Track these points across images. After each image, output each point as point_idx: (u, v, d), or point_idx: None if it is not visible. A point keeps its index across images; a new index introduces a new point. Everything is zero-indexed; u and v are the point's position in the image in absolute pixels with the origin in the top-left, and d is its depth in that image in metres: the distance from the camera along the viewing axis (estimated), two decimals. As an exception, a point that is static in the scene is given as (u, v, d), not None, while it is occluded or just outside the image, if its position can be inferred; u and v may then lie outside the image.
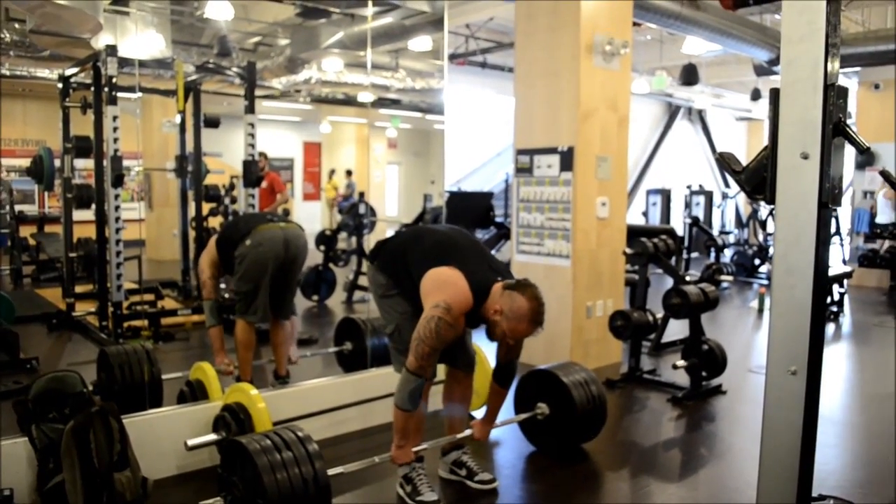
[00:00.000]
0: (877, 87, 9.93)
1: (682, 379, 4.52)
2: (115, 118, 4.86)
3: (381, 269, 2.96)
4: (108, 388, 3.46)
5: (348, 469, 2.74)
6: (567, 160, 4.91)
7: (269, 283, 3.84)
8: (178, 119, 6.13)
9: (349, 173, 12.13)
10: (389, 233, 10.30)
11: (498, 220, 9.62)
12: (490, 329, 2.72)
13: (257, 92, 5.86)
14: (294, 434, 2.46)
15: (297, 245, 3.89)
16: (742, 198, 13.72)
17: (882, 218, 9.62)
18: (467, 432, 3.11)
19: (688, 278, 4.98)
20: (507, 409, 3.72)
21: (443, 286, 2.65)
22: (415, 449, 2.91)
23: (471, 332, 3.10)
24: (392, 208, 13.12)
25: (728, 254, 10.92)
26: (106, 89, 4.91)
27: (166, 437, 3.08)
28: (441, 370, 3.12)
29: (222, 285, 4.47)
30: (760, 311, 7.38)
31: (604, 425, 3.50)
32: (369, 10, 6.57)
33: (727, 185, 15.00)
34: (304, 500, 2.32)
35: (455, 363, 3.08)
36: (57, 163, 5.95)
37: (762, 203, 9.36)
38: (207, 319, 3.96)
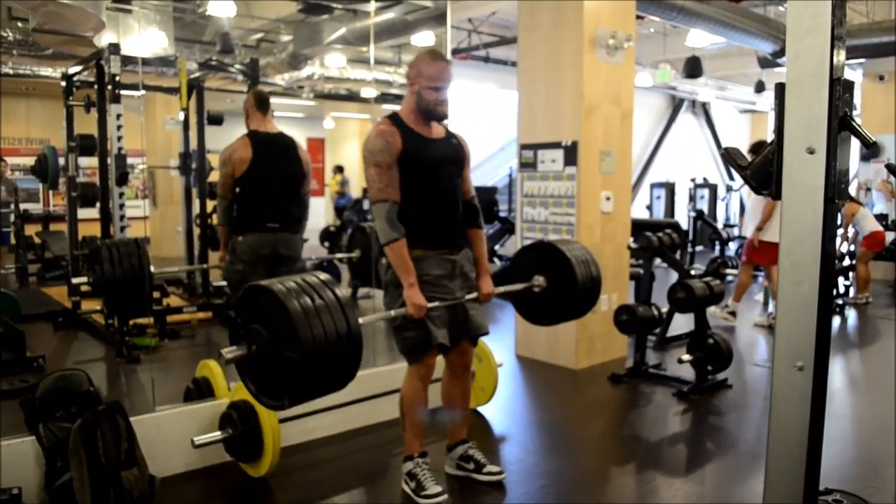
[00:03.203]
0: (881, 78, 9.89)
1: (688, 373, 4.52)
2: (118, 116, 4.87)
3: None
4: (101, 284, 3.50)
5: (366, 321, 2.41)
6: (571, 155, 4.90)
7: (256, 275, 3.89)
8: (181, 116, 6.14)
9: (341, 169, 12.03)
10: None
11: (502, 214, 9.61)
12: (425, 106, 2.80)
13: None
14: (318, 278, 2.22)
15: (286, 247, 3.96)
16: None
17: (876, 209, 9.63)
18: (473, 295, 2.93)
19: (692, 272, 4.97)
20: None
21: None
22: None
23: (481, 308, 2.99)
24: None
25: (733, 247, 10.90)
26: (109, 87, 4.92)
27: (173, 434, 3.08)
28: (438, 371, 3.09)
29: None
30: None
31: (597, 300, 3.26)
32: (372, 5, 6.57)
33: (731, 178, 14.96)
34: (337, 348, 2.10)
35: (466, 330, 2.93)
36: (61, 161, 5.97)
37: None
38: (219, 217, 3.99)
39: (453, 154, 2.92)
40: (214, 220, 4.21)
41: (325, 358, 2.07)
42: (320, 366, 2.08)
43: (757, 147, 5.50)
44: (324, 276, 2.23)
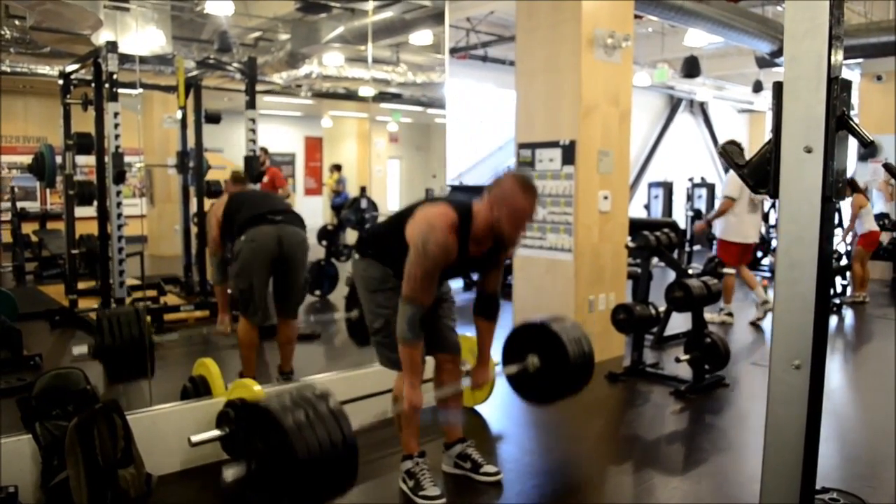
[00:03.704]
0: (879, 78, 9.90)
1: (685, 372, 4.52)
2: (116, 114, 4.87)
3: (375, 257, 2.86)
4: (103, 351, 3.51)
5: (364, 424, 2.59)
6: (569, 154, 4.90)
7: (265, 280, 3.89)
8: (178, 115, 6.13)
9: (338, 168, 12.00)
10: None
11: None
12: (500, 236, 2.66)
13: (258, 87, 5.86)
14: (314, 393, 2.31)
15: (291, 242, 3.90)
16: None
17: (876, 209, 9.64)
18: (466, 382, 3.02)
19: (690, 271, 4.97)
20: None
21: (423, 216, 2.65)
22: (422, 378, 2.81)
23: (455, 321, 3.05)
24: (394, 203, 13.11)
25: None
26: (107, 86, 4.91)
27: (170, 433, 3.08)
28: (429, 370, 3.09)
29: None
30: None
31: (591, 377, 3.29)
32: (370, 4, 6.56)
33: (729, 177, 14.98)
34: (333, 459, 2.18)
35: (443, 346, 3.01)
36: (58, 159, 5.96)
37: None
38: (214, 277, 4.03)
39: (480, 264, 2.89)
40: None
41: (322, 470, 2.15)
42: (318, 478, 2.16)
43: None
44: (319, 388, 2.32)
